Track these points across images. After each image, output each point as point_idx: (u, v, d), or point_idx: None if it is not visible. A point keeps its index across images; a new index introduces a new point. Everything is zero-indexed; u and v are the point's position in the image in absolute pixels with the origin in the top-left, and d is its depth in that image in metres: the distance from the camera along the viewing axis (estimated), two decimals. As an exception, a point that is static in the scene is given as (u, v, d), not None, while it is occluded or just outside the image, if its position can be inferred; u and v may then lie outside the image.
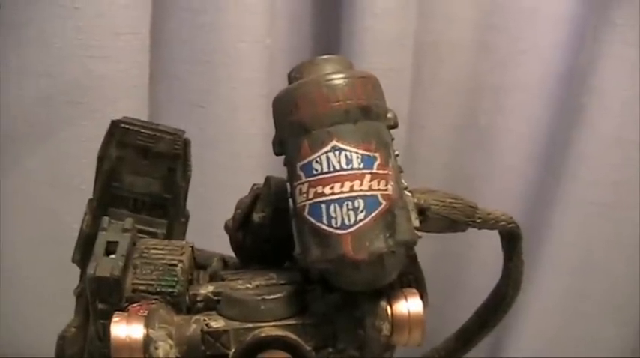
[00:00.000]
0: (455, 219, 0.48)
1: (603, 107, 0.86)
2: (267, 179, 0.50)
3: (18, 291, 0.81)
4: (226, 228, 0.51)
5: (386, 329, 0.43)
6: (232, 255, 0.52)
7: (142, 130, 0.51)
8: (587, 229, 0.90)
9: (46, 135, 0.77)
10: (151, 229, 0.51)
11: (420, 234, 0.43)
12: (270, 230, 0.49)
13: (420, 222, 0.44)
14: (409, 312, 0.44)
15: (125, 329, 0.41)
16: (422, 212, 0.46)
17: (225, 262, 0.51)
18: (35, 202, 0.79)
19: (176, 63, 0.82)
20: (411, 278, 0.47)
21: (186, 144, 0.52)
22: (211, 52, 0.80)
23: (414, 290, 0.45)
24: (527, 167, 0.93)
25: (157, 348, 0.41)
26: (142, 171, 0.51)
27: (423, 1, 0.87)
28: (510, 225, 0.50)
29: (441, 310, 0.83)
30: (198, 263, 0.50)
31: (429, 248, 0.89)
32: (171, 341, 0.41)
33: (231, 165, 0.83)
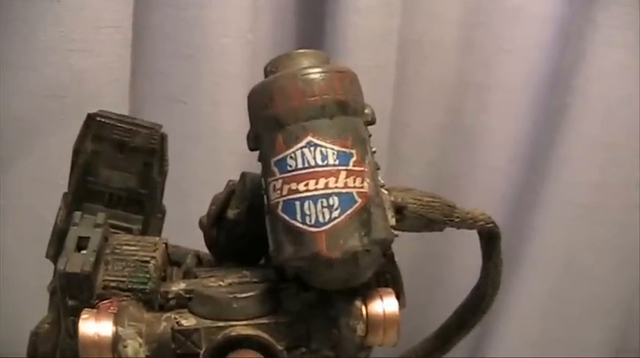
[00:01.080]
0: (432, 218, 0.47)
1: (587, 108, 0.86)
2: (243, 175, 0.49)
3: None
4: (200, 224, 0.51)
5: (360, 329, 0.43)
6: (209, 251, 0.52)
7: (119, 124, 0.50)
8: (570, 231, 0.90)
9: (28, 130, 0.76)
10: (126, 225, 0.51)
11: (396, 232, 0.43)
12: (245, 226, 0.48)
13: (397, 220, 0.44)
14: (384, 312, 0.43)
15: (94, 327, 0.40)
16: (399, 210, 0.45)
17: (199, 259, 0.51)
18: (19, 199, 0.78)
19: (158, 57, 0.81)
20: (388, 278, 0.46)
21: (162, 138, 0.51)
22: (194, 47, 0.80)
23: (390, 290, 0.44)
24: (510, 167, 0.93)
25: (125, 347, 0.40)
26: (118, 165, 0.51)
27: (407, -3, 0.86)
28: (489, 225, 0.50)
29: (425, 310, 0.83)
30: (173, 259, 0.49)
31: (412, 248, 0.90)
32: (140, 340, 0.41)
33: (212, 161, 0.82)
